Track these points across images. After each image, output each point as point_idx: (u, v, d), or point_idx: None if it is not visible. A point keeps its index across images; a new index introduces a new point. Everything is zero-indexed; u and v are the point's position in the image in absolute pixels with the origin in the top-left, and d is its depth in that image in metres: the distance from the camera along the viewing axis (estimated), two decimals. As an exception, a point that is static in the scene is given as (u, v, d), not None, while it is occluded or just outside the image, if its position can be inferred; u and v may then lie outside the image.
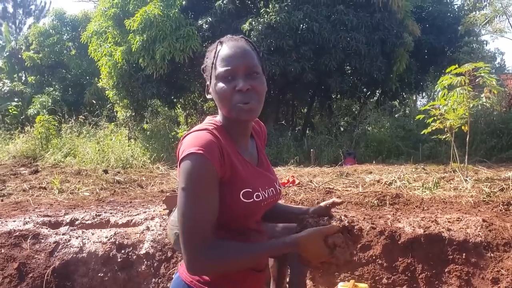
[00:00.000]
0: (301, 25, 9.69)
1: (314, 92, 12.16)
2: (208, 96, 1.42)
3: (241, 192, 1.32)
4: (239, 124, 1.38)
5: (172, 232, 2.41)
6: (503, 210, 3.84)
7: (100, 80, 12.39)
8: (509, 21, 11.75)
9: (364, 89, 12.02)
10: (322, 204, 1.56)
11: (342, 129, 12.31)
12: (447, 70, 5.32)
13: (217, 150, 1.26)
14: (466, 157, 5.81)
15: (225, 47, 1.34)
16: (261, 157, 1.50)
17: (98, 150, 10.16)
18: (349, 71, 11.04)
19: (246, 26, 9.59)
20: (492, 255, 3.36)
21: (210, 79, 1.37)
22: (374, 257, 3.49)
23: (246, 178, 1.35)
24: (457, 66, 5.29)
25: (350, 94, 11.49)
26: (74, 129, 11.99)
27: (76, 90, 17.26)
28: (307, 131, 12.88)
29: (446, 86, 5.26)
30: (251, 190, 1.34)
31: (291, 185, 5.40)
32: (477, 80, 5.28)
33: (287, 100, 13.20)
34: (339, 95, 12.53)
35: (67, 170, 8.28)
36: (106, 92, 12.21)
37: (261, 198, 1.36)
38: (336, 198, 1.57)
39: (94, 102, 15.51)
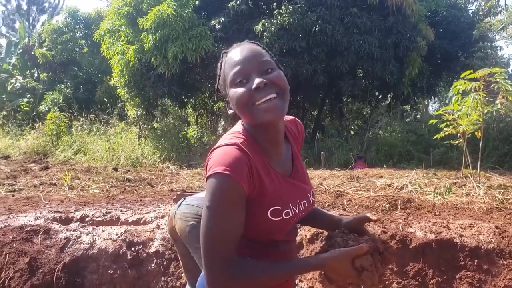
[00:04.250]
0: (314, 27, 9.64)
1: (325, 95, 12.11)
2: (230, 112, 1.34)
3: (269, 211, 1.27)
4: (267, 130, 1.29)
5: (188, 223, 2.40)
6: (517, 218, 3.79)
7: (111, 78, 12.47)
8: (524, 27, 11.66)
9: (376, 93, 11.92)
10: (355, 217, 1.49)
11: (352, 132, 12.24)
12: (461, 75, 5.26)
13: (245, 168, 1.21)
14: (479, 163, 5.74)
15: (231, 53, 1.29)
16: (296, 164, 1.42)
17: (108, 148, 10.23)
18: (361, 74, 10.98)
19: (258, 27, 9.58)
20: (504, 262, 3.31)
21: (227, 92, 1.30)
22: (384, 261, 3.46)
23: (275, 195, 1.29)
24: (471, 71, 5.23)
25: (362, 97, 11.43)
26: (85, 126, 12.08)
27: (88, 88, 17.37)
28: (318, 134, 12.82)
29: (460, 91, 5.20)
30: (280, 207, 1.29)
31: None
32: (491, 86, 5.22)
33: (298, 102, 13.15)
34: (350, 98, 12.46)
35: (77, 167, 8.35)
36: (118, 90, 12.27)
37: (290, 215, 1.31)
38: (371, 215, 1.48)
39: (106, 100, 15.60)
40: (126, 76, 10.91)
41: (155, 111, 12.63)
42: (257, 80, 1.22)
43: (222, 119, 15.84)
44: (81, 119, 12.42)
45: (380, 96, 12.49)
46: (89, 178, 6.80)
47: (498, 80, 5.04)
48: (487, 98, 5.31)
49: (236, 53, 1.27)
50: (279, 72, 1.29)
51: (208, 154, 1.28)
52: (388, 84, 10.28)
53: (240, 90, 1.23)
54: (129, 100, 12.09)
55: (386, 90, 11.68)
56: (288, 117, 1.43)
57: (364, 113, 14.08)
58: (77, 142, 11.09)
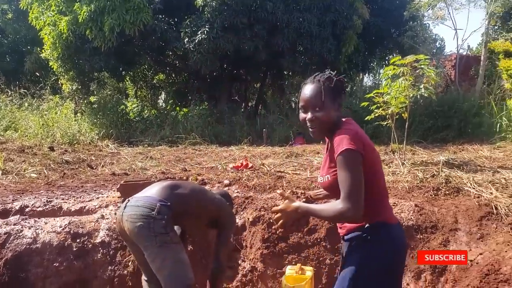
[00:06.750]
0: (255, 3, 9.66)
1: (267, 69, 12.29)
2: None
3: None
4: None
5: (136, 224, 2.53)
6: (433, 195, 4.24)
7: (43, 50, 11.72)
8: (448, 10, 12.39)
9: (315, 69, 12.26)
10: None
11: (293, 105, 12.57)
12: (391, 61, 5.62)
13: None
14: (405, 141, 6.26)
15: (303, 89, 2.05)
16: (326, 154, 2.12)
17: (42, 124, 9.77)
18: (301, 51, 11.22)
19: (199, 1, 9.43)
20: (421, 236, 3.74)
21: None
22: (319, 240, 3.78)
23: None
24: (400, 57, 5.61)
25: (302, 73, 11.72)
26: (14, 100, 11.37)
27: (15, 58, 16.20)
28: (260, 109, 13.05)
29: (390, 76, 5.58)
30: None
31: (244, 169, 5.57)
32: (417, 71, 5.65)
33: (241, 75, 13.25)
34: (291, 72, 12.74)
35: (9, 146, 7.92)
36: (50, 63, 11.59)
37: (318, 178, 2.21)
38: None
39: (37, 73, 14.62)
40: (59, 49, 10.33)
41: (92, 83, 12.10)
42: (309, 116, 2.00)
43: (163, 92, 15.52)
44: (10, 92, 11.64)
45: (319, 72, 12.82)
46: (24, 160, 6.54)
47: (422, 66, 5.46)
48: (413, 83, 5.73)
49: (304, 90, 2.04)
50: (323, 112, 1.97)
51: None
52: (326, 61, 10.61)
53: (301, 115, 2.05)
54: (63, 73, 11.47)
55: (324, 66, 11.99)
56: (339, 133, 1.97)
57: (304, 86, 14.44)
58: (7, 118, 10.44)
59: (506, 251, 3.25)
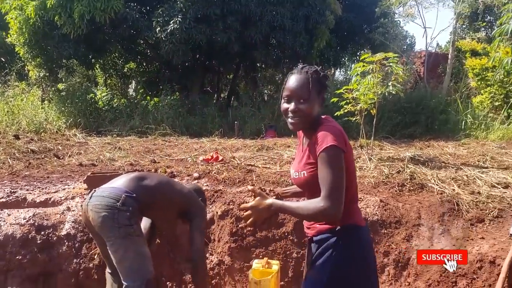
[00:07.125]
0: (229, -5, 9.60)
1: (240, 61, 12.27)
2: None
3: None
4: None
5: (100, 214, 2.50)
6: (398, 191, 4.37)
7: (8, 35, 11.27)
8: (418, 8, 12.74)
9: (287, 62, 12.33)
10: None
11: (266, 98, 12.57)
12: (361, 57, 5.73)
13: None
14: (373, 136, 6.41)
15: (289, 78, 1.95)
16: (304, 149, 2.03)
17: (7, 111, 9.45)
18: (274, 44, 11.25)
19: (172, -10, 9.29)
20: (385, 231, 3.86)
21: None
22: (286, 234, 3.84)
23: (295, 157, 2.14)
24: (370, 53, 5.72)
25: (274, 66, 11.77)
26: (-23, 85, 10.95)
27: (-23, 42, 15.50)
28: (232, 100, 13.01)
29: (359, 73, 5.68)
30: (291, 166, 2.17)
31: (214, 162, 5.57)
32: (386, 68, 5.78)
33: (213, 66, 13.15)
34: (263, 65, 12.76)
35: (-29, 134, 7.64)
36: (16, 48, 11.17)
37: (291, 174, 2.07)
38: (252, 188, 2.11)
39: (2, 59, 14.05)
40: (26, 35, 9.96)
41: (60, 70, 11.73)
42: (292, 106, 1.91)
43: (133, 81, 15.22)
44: (-28, 77, 11.19)
45: (291, 65, 12.93)
46: (-13, 149, 6.32)
47: (391, 64, 5.59)
48: (382, 80, 5.86)
49: (290, 80, 1.94)
50: (308, 104, 1.90)
51: None
52: (298, 55, 10.69)
53: (284, 105, 1.96)
54: (30, 60, 11.07)
55: (297, 60, 12.12)
56: (321, 129, 1.89)
57: (277, 78, 14.49)
58: (-31, 104, 10.03)
59: (465, 247, 3.40)
